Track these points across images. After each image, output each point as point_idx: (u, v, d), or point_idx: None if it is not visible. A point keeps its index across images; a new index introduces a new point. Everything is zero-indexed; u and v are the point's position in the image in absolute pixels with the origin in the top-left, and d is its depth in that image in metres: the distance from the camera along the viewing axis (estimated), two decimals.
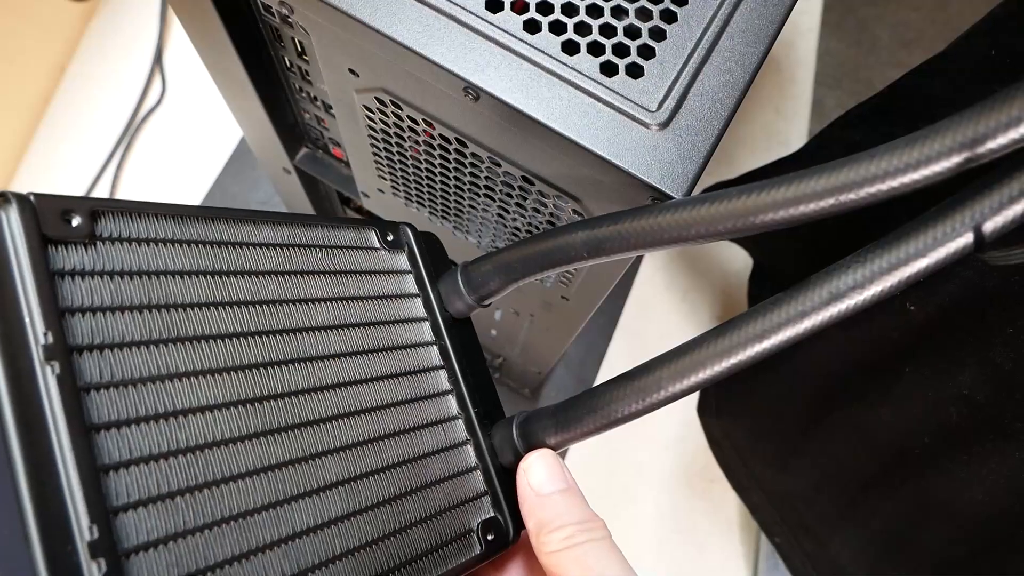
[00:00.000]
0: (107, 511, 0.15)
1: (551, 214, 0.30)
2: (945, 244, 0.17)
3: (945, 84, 0.38)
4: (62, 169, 0.70)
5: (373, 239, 0.25)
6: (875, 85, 0.45)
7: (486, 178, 0.30)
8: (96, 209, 0.17)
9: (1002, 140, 0.15)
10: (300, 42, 0.32)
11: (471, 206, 0.34)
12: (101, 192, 0.70)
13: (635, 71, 0.24)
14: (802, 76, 0.82)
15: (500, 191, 0.30)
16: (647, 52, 0.24)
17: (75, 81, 0.73)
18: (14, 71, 0.68)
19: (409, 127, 0.30)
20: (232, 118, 0.42)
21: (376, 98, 0.29)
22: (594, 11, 0.24)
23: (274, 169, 0.46)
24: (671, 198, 0.22)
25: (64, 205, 0.17)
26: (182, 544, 0.16)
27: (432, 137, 0.29)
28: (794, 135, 0.80)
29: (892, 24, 0.89)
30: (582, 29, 0.24)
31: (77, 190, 0.69)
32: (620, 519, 0.64)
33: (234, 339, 0.19)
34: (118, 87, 0.73)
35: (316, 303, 0.22)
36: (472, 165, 0.29)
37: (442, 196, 0.35)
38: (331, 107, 0.35)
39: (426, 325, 0.25)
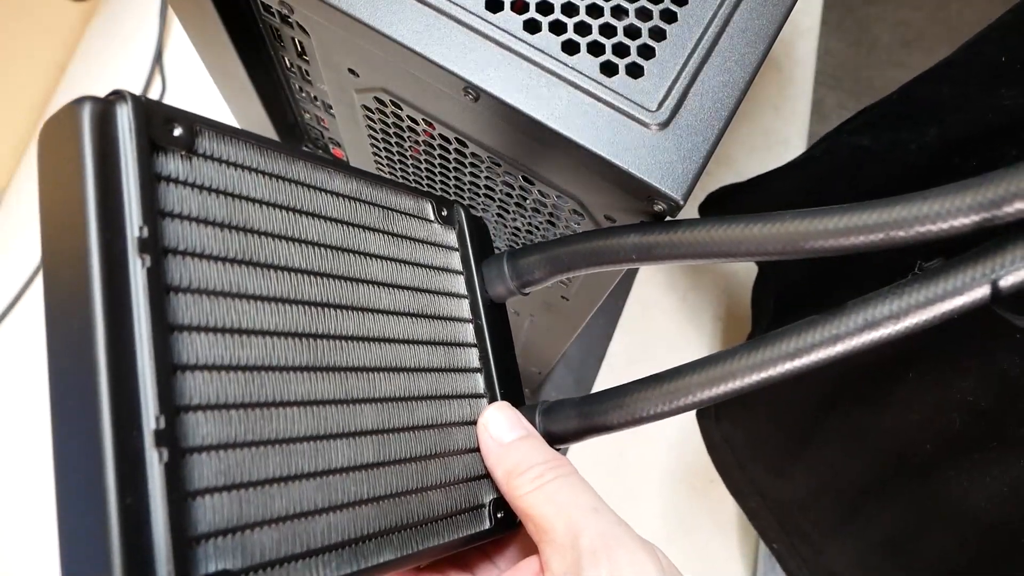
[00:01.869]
0: (174, 407, 0.15)
1: (551, 214, 0.30)
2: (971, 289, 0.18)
3: (953, 90, 0.38)
4: None
5: (429, 211, 0.26)
6: (875, 85, 0.45)
7: (486, 178, 0.30)
8: (195, 124, 0.18)
9: None
10: (300, 42, 0.32)
11: (471, 206, 0.34)
12: None
13: (635, 71, 0.24)
14: (802, 76, 0.82)
15: (500, 191, 0.30)
16: (647, 52, 0.24)
17: (75, 81, 0.73)
18: (14, 71, 0.68)
19: (409, 127, 0.30)
20: (232, 118, 0.42)
21: (376, 98, 0.29)
22: (594, 11, 0.24)
23: None
24: (671, 198, 0.22)
25: (169, 113, 0.17)
26: (231, 455, 0.16)
27: (432, 137, 0.29)
28: (794, 135, 0.80)
29: (892, 24, 0.89)
30: (582, 29, 0.24)
31: None
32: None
33: (297, 274, 0.20)
34: (118, 87, 0.73)
35: (372, 258, 0.23)
36: (472, 165, 0.29)
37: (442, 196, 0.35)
38: (331, 107, 0.35)
39: (466, 303, 0.26)
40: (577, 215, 0.28)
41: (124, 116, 0.16)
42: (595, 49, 0.24)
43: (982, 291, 0.17)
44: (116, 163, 0.16)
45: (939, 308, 0.18)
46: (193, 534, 0.15)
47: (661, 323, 0.71)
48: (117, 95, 0.16)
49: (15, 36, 0.67)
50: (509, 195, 0.30)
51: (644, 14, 0.24)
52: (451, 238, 0.26)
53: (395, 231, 0.24)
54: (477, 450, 0.24)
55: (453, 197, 0.34)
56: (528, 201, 0.30)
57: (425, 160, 0.32)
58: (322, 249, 0.21)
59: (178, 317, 0.16)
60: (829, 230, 0.19)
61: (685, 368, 0.21)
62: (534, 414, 0.25)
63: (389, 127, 0.31)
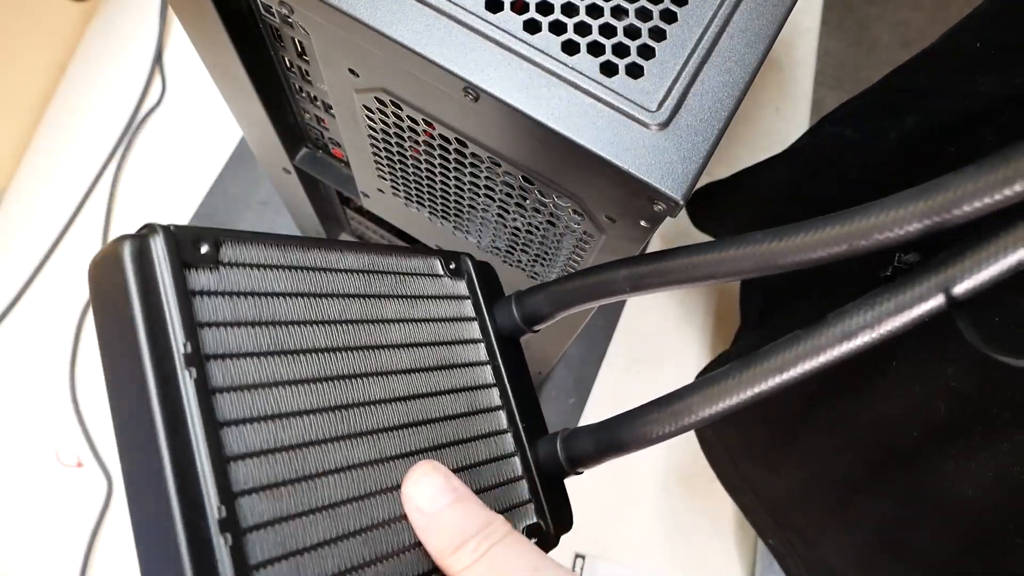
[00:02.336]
0: (232, 495, 0.17)
1: (551, 214, 0.30)
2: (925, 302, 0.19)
3: (931, 79, 0.38)
4: (62, 169, 0.70)
5: (438, 267, 0.28)
6: None
7: (486, 178, 0.30)
8: (219, 238, 0.20)
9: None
10: (300, 42, 0.32)
11: (471, 206, 0.34)
12: (101, 193, 0.70)
13: (635, 71, 0.24)
14: (802, 76, 0.82)
15: (500, 191, 0.30)
16: (647, 52, 0.24)
17: (75, 81, 0.73)
18: (14, 71, 0.68)
19: (409, 127, 0.30)
20: (232, 118, 0.42)
21: (376, 98, 0.29)
22: (594, 11, 0.24)
23: (274, 169, 0.46)
24: (671, 198, 0.22)
25: (196, 235, 0.20)
26: (285, 527, 0.18)
27: (432, 137, 0.29)
28: (794, 135, 0.79)
29: (892, 24, 0.89)
30: (582, 29, 0.24)
31: (77, 190, 0.69)
32: (620, 519, 0.64)
33: (324, 353, 0.22)
34: (118, 87, 0.73)
35: (390, 323, 0.25)
36: (472, 165, 0.29)
37: (442, 196, 0.35)
38: (331, 107, 0.35)
39: (482, 347, 0.28)
40: (577, 215, 0.28)
41: (158, 247, 0.19)
42: (595, 49, 0.24)
43: (937, 300, 0.19)
44: (156, 290, 0.18)
45: (910, 314, 0.19)
46: None
47: (660, 322, 0.71)
48: (150, 228, 0.19)
49: (15, 36, 0.67)
50: (509, 195, 0.30)
51: (644, 14, 0.24)
52: (461, 287, 0.28)
53: (408, 293, 0.26)
54: (507, 483, 0.26)
55: (453, 197, 0.34)
56: (528, 201, 0.30)
57: (425, 160, 0.32)
58: (344, 325, 0.23)
59: (225, 414, 0.18)
60: (797, 246, 0.20)
61: (686, 390, 0.22)
62: (555, 441, 0.26)
63: (389, 127, 0.31)
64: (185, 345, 0.18)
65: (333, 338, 0.22)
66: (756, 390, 0.21)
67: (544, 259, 0.35)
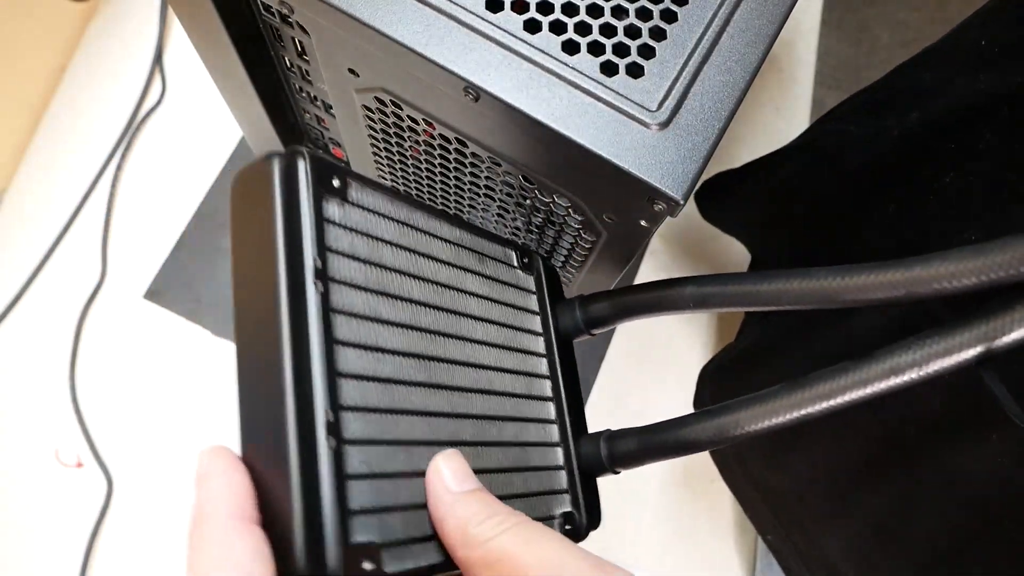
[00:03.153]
0: (338, 407, 0.19)
1: (551, 214, 0.30)
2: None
3: (935, 76, 0.38)
4: (62, 169, 0.70)
5: (513, 258, 0.29)
6: None
7: (486, 178, 0.30)
8: (347, 177, 0.22)
9: None
10: (300, 42, 0.32)
11: (471, 206, 0.34)
12: (101, 193, 0.69)
13: (635, 71, 0.24)
14: (802, 76, 0.82)
15: (500, 191, 0.30)
16: (647, 52, 0.24)
17: (75, 81, 0.73)
18: (14, 71, 0.68)
19: (409, 127, 0.30)
20: (232, 118, 0.42)
21: (376, 98, 0.29)
22: (594, 11, 0.24)
23: None
24: (671, 198, 0.22)
25: (331, 167, 0.21)
26: (373, 450, 0.20)
27: (432, 137, 0.29)
28: (794, 135, 0.79)
29: (892, 24, 0.89)
30: (582, 29, 0.24)
31: (77, 190, 0.69)
32: (620, 519, 0.64)
33: (417, 305, 0.23)
34: (118, 87, 0.73)
35: (470, 296, 0.26)
36: (472, 165, 0.29)
37: (442, 196, 0.35)
38: (331, 107, 0.35)
39: (541, 340, 0.29)
40: (577, 215, 0.28)
41: (303, 169, 0.20)
42: (595, 49, 0.24)
43: (980, 348, 0.20)
44: (298, 206, 0.20)
45: (958, 357, 0.20)
46: (350, 509, 0.18)
47: (661, 323, 0.71)
48: (296, 152, 0.20)
49: (15, 36, 0.67)
50: (509, 195, 0.30)
51: (644, 14, 0.24)
52: (530, 282, 0.30)
53: (487, 273, 0.27)
54: (550, 468, 0.27)
55: (453, 197, 0.34)
56: (528, 201, 0.30)
57: (425, 160, 0.32)
58: (434, 286, 0.24)
59: (340, 334, 0.20)
60: (859, 285, 0.21)
61: (734, 405, 0.24)
62: (599, 440, 0.28)
63: (389, 127, 0.31)
64: (315, 260, 0.19)
65: (425, 294, 0.24)
66: (801, 413, 0.22)
67: None
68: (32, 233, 0.68)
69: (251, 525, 0.18)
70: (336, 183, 0.21)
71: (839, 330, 0.41)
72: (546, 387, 0.29)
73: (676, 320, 0.72)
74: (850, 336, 0.39)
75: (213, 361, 0.64)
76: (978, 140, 0.34)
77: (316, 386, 0.18)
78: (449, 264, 0.25)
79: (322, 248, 0.20)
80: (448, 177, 0.32)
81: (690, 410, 0.64)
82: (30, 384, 0.63)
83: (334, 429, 0.18)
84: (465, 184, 0.32)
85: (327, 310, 0.19)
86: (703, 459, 0.62)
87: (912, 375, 0.20)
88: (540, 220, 0.31)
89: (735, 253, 0.74)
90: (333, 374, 0.19)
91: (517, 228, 0.33)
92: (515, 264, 0.29)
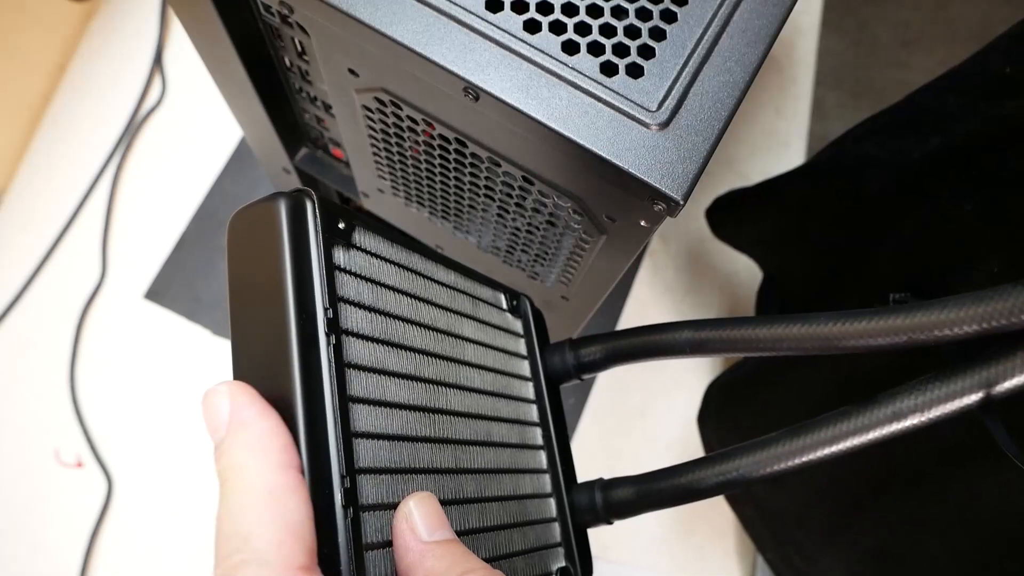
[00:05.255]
0: (354, 471, 0.17)
1: (551, 214, 0.30)
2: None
3: (959, 101, 0.38)
4: (62, 169, 0.70)
5: (503, 301, 0.29)
6: (875, 85, 0.45)
7: (486, 178, 0.30)
8: (352, 220, 0.20)
9: None
10: (300, 42, 0.32)
11: (471, 206, 0.34)
12: (101, 193, 0.69)
13: (635, 71, 0.24)
14: (802, 76, 0.82)
15: (500, 191, 0.30)
16: (647, 52, 0.24)
17: (75, 81, 0.73)
18: (14, 71, 0.68)
19: (409, 127, 0.30)
20: (232, 118, 0.42)
21: (376, 98, 0.29)
22: (594, 11, 0.24)
23: (274, 169, 0.46)
24: (671, 198, 0.22)
25: (336, 210, 0.20)
26: (387, 515, 0.18)
27: (432, 137, 0.29)
28: (794, 135, 0.79)
29: (892, 24, 0.89)
30: (582, 29, 0.24)
31: (77, 190, 0.69)
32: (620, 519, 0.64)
33: (419, 354, 0.22)
34: (118, 87, 0.73)
35: (467, 342, 0.25)
36: (472, 165, 0.29)
37: (442, 196, 0.35)
38: (331, 107, 0.35)
39: (530, 385, 0.28)
40: (577, 215, 0.28)
41: (311, 212, 0.18)
42: (595, 49, 0.24)
43: (980, 395, 0.20)
44: (308, 253, 0.18)
45: (959, 403, 0.20)
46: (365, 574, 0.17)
47: None
48: (303, 192, 0.19)
49: (15, 36, 0.67)
50: (509, 195, 0.30)
51: (644, 14, 0.24)
52: (519, 326, 0.29)
53: (480, 318, 0.26)
54: (544, 521, 0.26)
55: (453, 197, 0.34)
56: (528, 201, 0.30)
57: (425, 160, 0.32)
58: (435, 333, 0.23)
59: (353, 390, 0.18)
60: (859, 332, 0.21)
61: (733, 452, 0.23)
62: (593, 490, 0.27)
63: (389, 127, 0.31)
64: (327, 311, 0.18)
65: (426, 342, 0.22)
66: (804, 459, 0.22)
67: (544, 259, 0.35)
68: (32, 233, 0.68)
69: (300, 475, 0.16)
70: (342, 226, 0.20)
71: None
72: (537, 435, 0.28)
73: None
74: (858, 357, 0.39)
75: (213, 361, 0.64)
76: (1002, 167, 0.34)
77: (332, 453, 0.17)
78: (447, 309, 0.24)
79: (333, 297, 0.18)
80: (448, 177, 0.32)
81: (690, 410, 0.64)
82: (30, 384, 0.63)
83: (351, 497, 0.17)
84: (465, 184, 0.32)
85: (340, 365, 0.18)
86: None
87: (914, 420, 0.21)
88: (540, 220, 0.31)
89: (735, 252, 0.73)
90: (348, 435, 0.17)
91: (517, 228, 0.33)
92: (504, 307, 0.28)
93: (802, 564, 0.49)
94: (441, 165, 0.31)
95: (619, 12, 0.24)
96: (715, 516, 0.65)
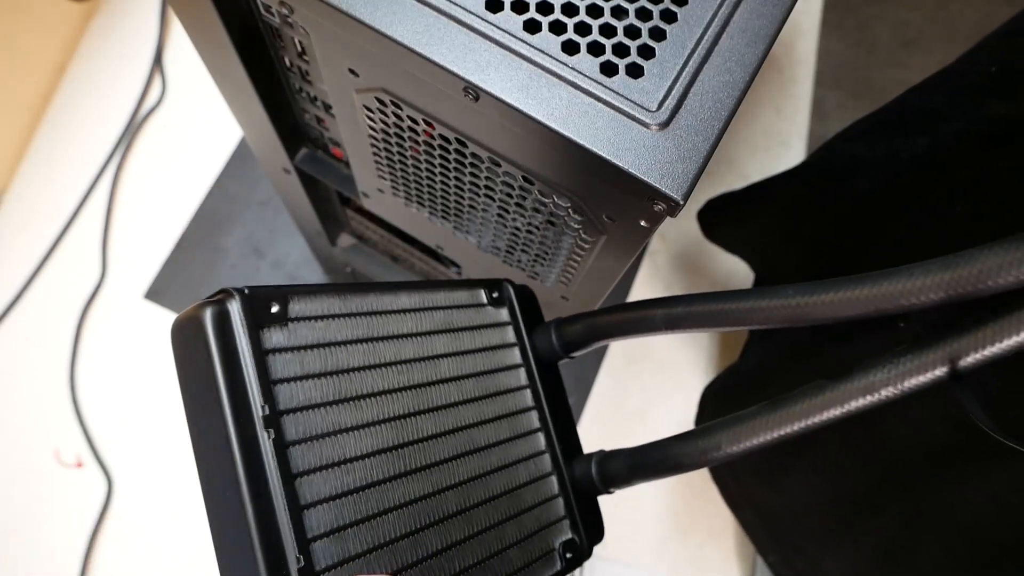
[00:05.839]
0: (307, 540, 0.19)
1: (551, 214, 0.30)
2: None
3: (945, 100, 0.38)
4: (62, 169, 0.70)
5: (482, 297, 0.29)
6: (875, 85, 0.45)
7: (486, 178, 0.30)
8: (287, 296, 0.21)
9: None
10: (300, 42, 0.32)
11: (471, 206, 0.34)
12: (101, 193, 0.70)
13: (635, 71, 0.24)
14: (802, 76, 0.82)
15: (500, 191, 0.30)
16: (647, 52, 0.24)
17: (75, 81, 0.73)
18: (14, 71, 0.68)
19: (409, 127, 0.30)
20: (232, 118, 0.42)
21: (376, 98, 0.29)
22: (594, 11, 0.24)
23: (274, 169, 0.46)
24: (671, 198, 0.22)
25: (268, 295, 0.21)
26: (353, 565, 0.20)
27: (432, 137, 0.29)
28: (794, 135, 0.80)
29: (892, 24, 0.89)
30: (582, 29, 0.24)
31: (77, 190, 0.69)
32: (620, 519, 0.64)
33: (381, 396, 0.23)
34: (118, 87, 0.73)
35: (440, 359, 0.26)
36: (472, 165, 0.29)
37: (442, 196, 0.35)
38: (331, 107, 0.35)
39: (522, 371, 0.29)
40: (577, 215, 0.28)
41: (235, 312, 0.20)
42: (595, 49, 0.24)
43: (940, 371, 0.20)
44: (236, 356, 0.19)
45: (929, 375, 0.20)
46: None
47: None
48: (226, 294, 0.20)
49: (15, 36, 0.67)
50: (509, 195, 0.30)
51: (644, 14, 0.24)
52: (503, 315, 0.29)
53: (456, 326, 0.27)
54: (545, 501, 0.27)
55: (453, 197, 0.34)
56: (528, 201, 0.30)
57: (425, 160, 0.32)
58: (399, 366, 0.24)
59: (298, 465, 0.20)
60: (826, 303, 0.21)
61: (715, 426, 0.24)
62: (590, 462, 0.28)
63: (389, 127, 0.31)
64: (263, 408, 0.19)
65: (389, 380, 0.23)
66: (780, 432, 0.22)
67: (544, 259, 0.35)
68: (32, 233, 0.68)
69: None
70: (275, 308, 0.21)
71: (843, 352, 0.41)
72: (533, 419, 0.28)
73: None
74: (854, 357, 0.39)
75: None
76: (991, 167, 0.34)
77: (284, 534, 0.18)
78: (413, 335, 0.25)
79: (267, 387, 0.20)
80: (448, 177, 0.32)
81: (690, 411, 0.64)
82: (30, 384, 0.63)
83: (307, 571, 0.18)
84: (465, 184, 0.32)
85: (282, 448, 0.19)
86: None
87: (887, 392, 0.21)
88: (540, 220, 0.31)
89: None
90: (298, 510, 0.19)
91: (517, 228, 0.33)
92: (484, 302, 0.29)
93: (804, 566, 0.49)
94: (441, 165, 0.31)
95: (619, 12, 0.24)
96: (714, 517, 0.65)
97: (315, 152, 0.44)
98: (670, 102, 0.23)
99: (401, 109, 0.28)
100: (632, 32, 0.24)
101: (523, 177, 0.28)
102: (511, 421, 0.27)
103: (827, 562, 0.46)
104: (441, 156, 0.30)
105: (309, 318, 0.22)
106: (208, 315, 0.19)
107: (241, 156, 0.72)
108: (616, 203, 0.25)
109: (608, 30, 0.24)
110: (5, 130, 0.69)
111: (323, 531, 0.19)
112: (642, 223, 0.25)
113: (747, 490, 0.53)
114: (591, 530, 0.28)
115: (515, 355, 0.29)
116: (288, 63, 0.34)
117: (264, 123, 0.39)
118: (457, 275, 0.49)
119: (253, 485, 0.18)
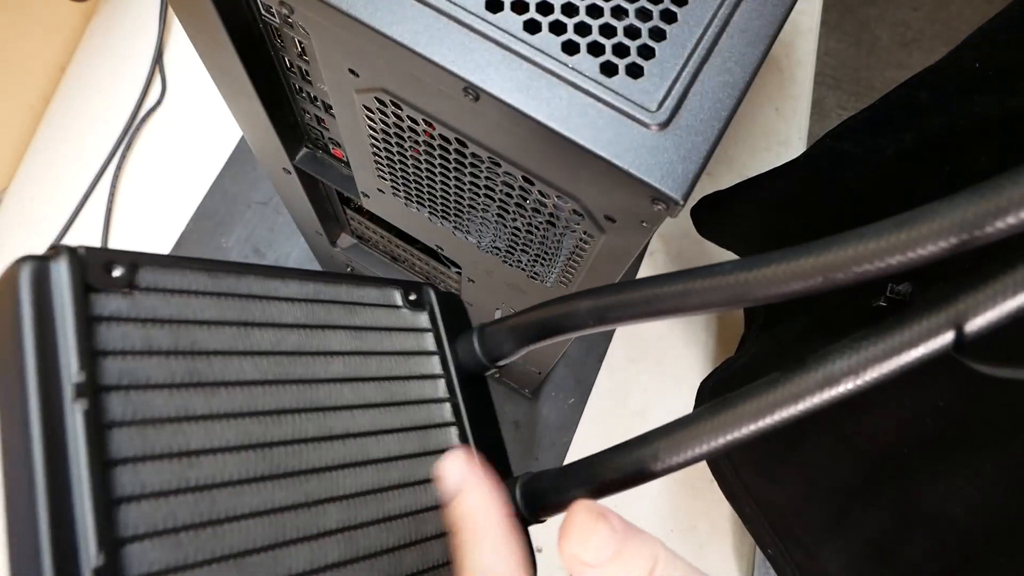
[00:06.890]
0: (116, 540, 0.16)
1: (551, 214, 0.30)
2: (929, 339, 0.17)
3: (932, 97, 0.38)
4: (62, 169, 0.70)
5: (396, 298, 0.27)
6: (875, 85, 0.45)
7: (486, 178, 0.30)
8: (136, 262, 0.19)
9: (999, 226, 0.15)
10: (300, 42, 0.32)
11: (471, 206, 0.34)
12: (101, 193, 0.70)
13: (635, 71, 0.24)
14: (802, 76, 0.82)
15: (500, 191, 0.30)
16: (647, 52, 0.24)
17: (75, 81, 0.73)
18: (14, 71, 0.68)
19: (409, 127, 0.30)
20: (232, 118, 0.42)
21: (376, 98, 0.29)
22: (594, 11, 0.24)
23: (274, 169, 0.46)
24: (671, 198, 0.22)
25: (108, 257, 0.19)
26: (194, 572, 0.17)
27: (432, 137, 0.29)
28: (794, 135, 0.80)
29: (892, 24, 0.89)
30: (582, 29, 0.24)
31: (77, 190, 0.69)
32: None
33: (250, 386, 0.20)
34: (118, 87, 0.73)
35: (332, 356, 0.23)
36: (472, 165, 0.29)
37: (442, 196, 0.35)
38: (331, 107, 0.35)
39: (441, 383, 0.26)
40: (577, 215, 0.28)
41: (60, 270, 0.17)
42: (595, 49, 0.24)
43: (944, 338, 0.17)
44: (50, 316, 0.17)
45: (900, 360, 0.17)
46: None
47: (660, 324, 0.71)
48: (55, 251, 0.18)
49: (15, 36, 0.67)
50: (509, 195, 0.30)
51: (644, 14, 0.24)
52: (422, 320, 0.27)
53: (358, 324, 0.25)
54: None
55: (453, 197, 0.34)
56: (528, 201, 0.30)
57: (425, 160, 0.32)
58: (276, 357, 0.21)
59: (120, 451, 0.17)
60: (768, 278, 0.18)
61: (652, 435, 0.20)
62: (515, 487, 0.24)
63: (389, 127, 0.31)
64: (78, 374, 0.17)
65: (262, 370, 0.21)
66: (727, 438, 0.19)
67: (544, 259, 0.35)
68: (32, 233, 0.68)
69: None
70: (117, 272, 0.19)
71: (835, 342, 0.41)
72: (451, 435, 0.26)
73: (676, 319, 0.72)
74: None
75: None
76: (974, 164, 0.34)
77: (79, 526, 0.15)
78: (300, 326, 0.23)
79: (88, 356, 0.17)
80: (448, 177, 0.32)
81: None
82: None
83: (107, 572, 0.16)
84: (465, 184, 0.32)
85: (98, 428, 0.17)
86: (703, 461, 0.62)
87: (849, 384, 0.18)
88: (540, 221, 0.31)
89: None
90: (107, 503, 0.16)
91: (517, 228, 0.33)
92: (398, 303, 0.27)
93: (802, 558, 0.49)
94: (441, 166, 0.31)
95: (619, 12, 0.24)
96: (715, 514, 0.65)
97: (315, 152, 0.44)
98: (670, 102, 0.23)
99: (401, 109, 0.28)
100: (632, 32, 0.24)
101: (523, 177, 0.28)
102: (422, 435, 0.25)
103: (825, 554, 0.46)
104: (441, 156, 0.30)
105: (164, 290, 0.20)
106: (26, 270, 0.17)
107: (241, 156, 0.72)
108: (616, 203, 0.25)
109: (608, 30, 0.24)
110: (5, 130, 0.69)
111: (145, 531, 0.17)
112: (642, 223, 0.25)
113: (746, 481, 0.53)
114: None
115: (434, 364, 0.26)
116: (288, 63, 0.34)
117: (264, 123, 0.39)
118: (457, 275, 0.49)
119: (50, 462, 0.16)
